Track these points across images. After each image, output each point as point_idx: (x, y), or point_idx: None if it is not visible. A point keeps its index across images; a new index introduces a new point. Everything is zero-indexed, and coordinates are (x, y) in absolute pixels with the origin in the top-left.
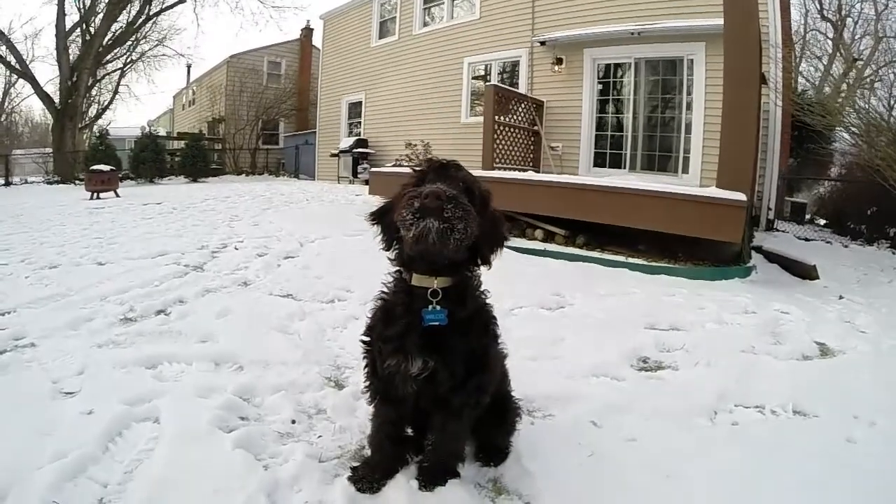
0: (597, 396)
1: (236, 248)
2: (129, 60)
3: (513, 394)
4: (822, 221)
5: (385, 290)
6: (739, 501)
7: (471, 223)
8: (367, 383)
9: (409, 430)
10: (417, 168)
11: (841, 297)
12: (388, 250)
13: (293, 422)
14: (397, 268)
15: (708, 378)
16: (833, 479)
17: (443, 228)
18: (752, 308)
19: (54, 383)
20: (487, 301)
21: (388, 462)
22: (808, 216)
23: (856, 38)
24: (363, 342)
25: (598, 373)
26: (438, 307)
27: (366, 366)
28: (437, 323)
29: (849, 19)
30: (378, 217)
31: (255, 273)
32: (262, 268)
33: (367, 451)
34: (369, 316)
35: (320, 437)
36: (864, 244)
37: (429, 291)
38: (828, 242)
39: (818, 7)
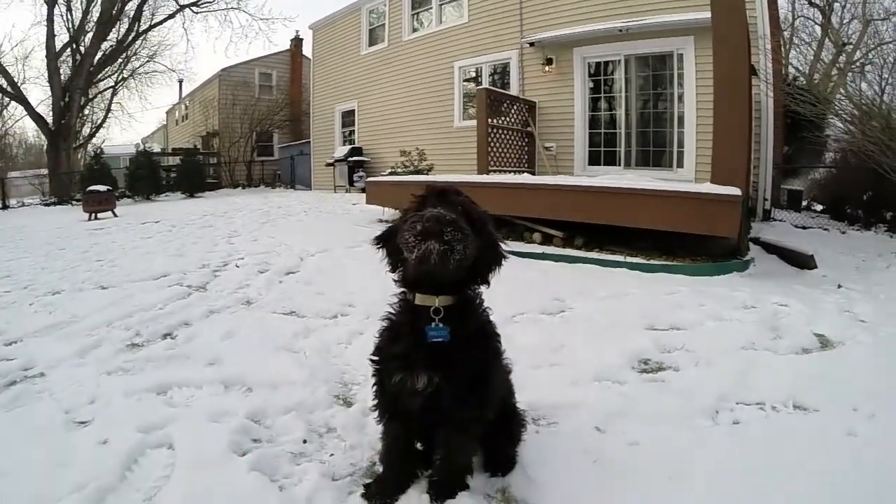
0: (600, 402)
1: (237, 266)
2: (120, 78)
3: (517, 404)
4: (819, 207)
5: (391, 310)
6: (741, 497)
7: (469, 245)
8: (376, 401)
9: (419, 446)
10: (418, 195)
11: (839, 287)
12: (393, 272)
13: (305, 441)
14: (402, 289)
15: (708, 377)
16: (835, 471)
17: (443, 250)
18: (750, 303)
19: (67, 413)
20: (490, 319)
21: (400, 478)
22: (804, 202)
23: (844, 22)
24: (372, 361)
25: (600, 378)
26: (441, 325)
27: (374, 384)
28: (440, 339)
29: (836, 4)
30: (383, 241)
31: (257, 291)
32: (264, 285)
33: (379, 468)
34: (377, 336)
35: (332, 455)
36: (861, 229)
37: (431, 309)
38: (825, 229)
39: None
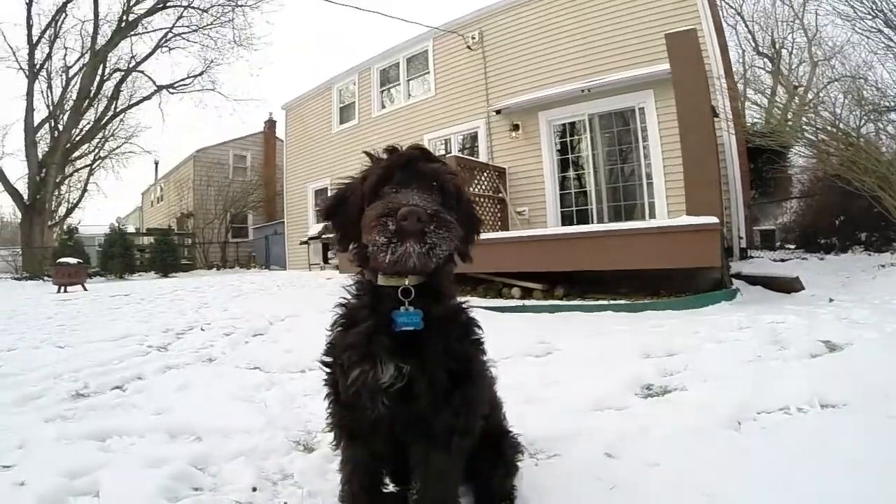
0: (605, 428)
1: (203, 329)
2: (97, 157)
3: (510, 428)
4: (793, 246)
5: (346, 295)
6: (802, 498)
7: (455, 237)
8: (330, 417)
9: (391, 486)
10: (379, 162)
11: (831, 300)
12: (345, 251)
13: (254, 489)
14: (358, 268)
15: (722, 392)
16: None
17: (425, 251)
18: (746, 324)
19: None
20: (463, 304)
21: None
22: (777, 243)
23: (793, 67)
24: (323, 363)
25: (601, 406)
26: (412, 308)
27: (327, 395)
28: (411, 328)
29: (784, 51)
30: (331, 212)
31: (220, 350)
32: (229, 345)
33: None
34: (329, 331)
35: (286, 503)
36: (838, 254)
37: (399, 290)
38: (803, 258)
39: (753, 45)
